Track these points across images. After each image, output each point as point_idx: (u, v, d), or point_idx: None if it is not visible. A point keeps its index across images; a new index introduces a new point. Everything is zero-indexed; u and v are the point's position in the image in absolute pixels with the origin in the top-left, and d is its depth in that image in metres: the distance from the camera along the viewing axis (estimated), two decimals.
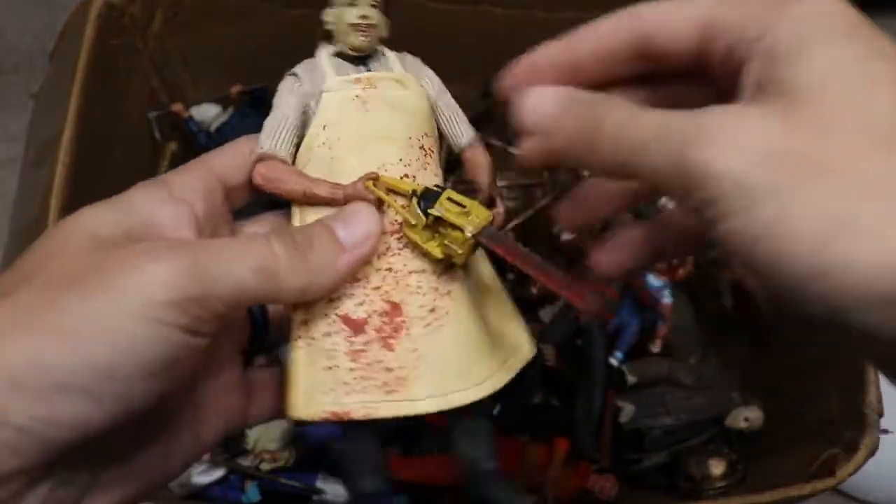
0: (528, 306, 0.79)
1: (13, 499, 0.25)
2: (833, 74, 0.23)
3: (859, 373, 0.59)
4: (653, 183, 0.25)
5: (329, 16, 0.34)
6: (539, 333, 0.75)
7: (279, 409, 0.35)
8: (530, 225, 0.76)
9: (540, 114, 0.28)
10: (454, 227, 0.31)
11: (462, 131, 0.37)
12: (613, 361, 0.74)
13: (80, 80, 0.66)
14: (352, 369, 0.31)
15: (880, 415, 0.57)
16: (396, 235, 0.33)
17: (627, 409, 0.72)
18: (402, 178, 0.33)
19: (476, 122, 0.82)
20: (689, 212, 0.24)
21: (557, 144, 0.28)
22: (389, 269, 0.32)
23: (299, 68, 0.35)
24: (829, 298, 0.21)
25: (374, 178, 0.32)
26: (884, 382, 0.59)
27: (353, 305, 0.32)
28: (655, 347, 0.75)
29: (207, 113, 0.82)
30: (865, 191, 0.21)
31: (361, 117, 0.33)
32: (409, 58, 0.36)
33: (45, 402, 0.24)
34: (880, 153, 0.22)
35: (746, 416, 0.71)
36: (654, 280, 0.74)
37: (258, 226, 0.36)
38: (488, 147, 0.75)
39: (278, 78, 0.91)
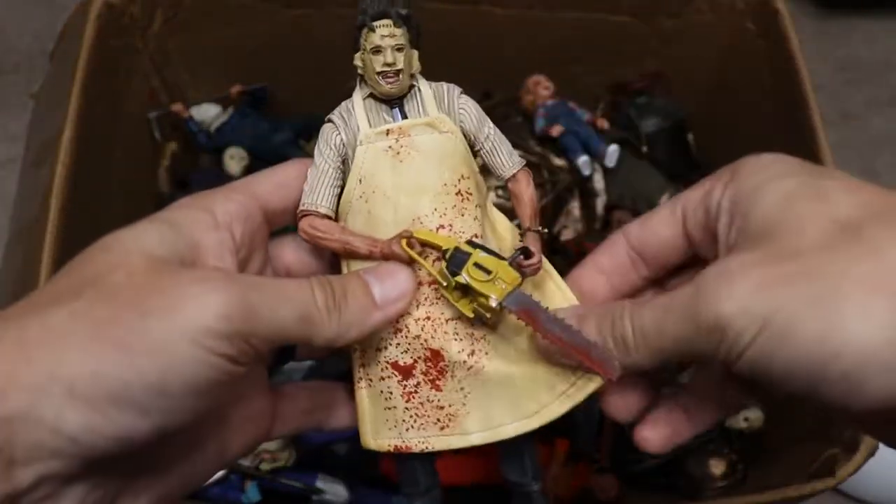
0: None
1: (49, 498, 0.26)
2: (786, 203, 0.29)
3: None
4: (685, 355, 0.30)
5: (357, 60, 0.34)
6: None
7: (302, 425, 0.39)
8: None
9: None
10: (479, 293, 0.32)
11: (504, 162, 0.36)
12: None
13: (80, 80, 0.66)
14: (406, 409, 0.35)
15: None
16: (434, 286, 0.34)
17: None
18: (437, 228, 0.34)
19: None
20: (719, 364, 0.29)
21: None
22: (428, 318, 0.34)
23: (336, 114, 0.35)
24: (846, 378, 0.26)
25: (408, 237, 0.33)
26: None
27: (399, 353, 0.34)
28: None
29: (207, 113, 0.82)
30: (839, 281, 0.26)
31: (394, 169, 0.34)
32: (445, 89, 0.35)
33: (99, 413, 0.25)
34: (839, 248, 0.27)
35: (746, 416, 0.71)
36: None
37: (286, 248, 0.38)
38: None
39: (278, 78, 0.91)
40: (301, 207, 0.34)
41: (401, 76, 0.34)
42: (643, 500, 0.73)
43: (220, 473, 0.67)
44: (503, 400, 0.34)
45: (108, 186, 0.71)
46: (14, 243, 0.65)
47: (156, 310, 0.26)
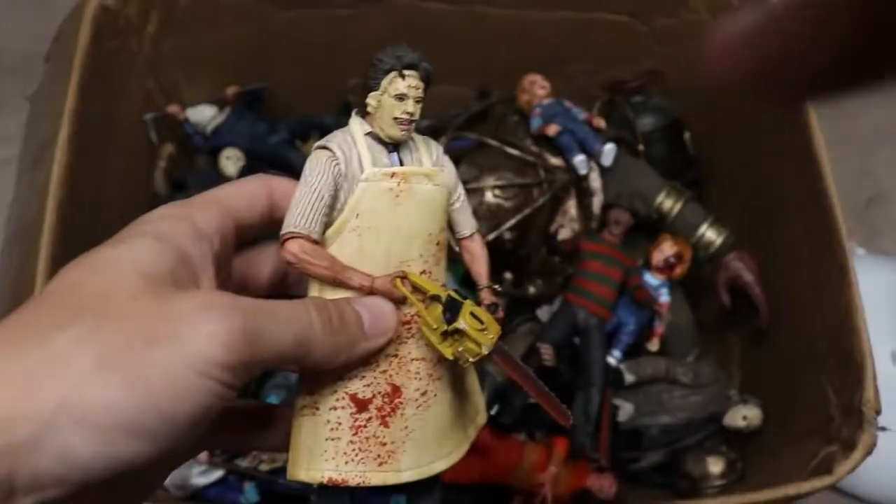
0: (526, 305, 0.79)
1: None
2: None
3: (857, 370, 0.59)
4: None
5: (372, 99, 0.35)
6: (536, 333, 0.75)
7: (238, 443, 0.39)
8: (527, 224, 0.76)
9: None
10: (472, 340, 0.33)
11: (466, 221, 0.38)
12: (611, 360, 0.74)
13: (76, 82, 0.66)
14: (351, 442, 0.35)
15: (878, 412, 0.57)
16: (406, 326, 0.35)
17: (626, 408, 0.72)
18: (420, 273, 0.35)
19: (472, 122, 0.83)
20: None
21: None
22: (395, 355, 0.35)
23: (334, 143, 0.34)
24: None
25: (403, 277, 0.34)
26: (881, 379, 0.59)
27: (361, 386, 0.35)
28: (653, 346, 0.75)
29: (203, 114, 0.81)
30: None
31: (393, 211, 0.35)
32: (433, 145, 0.37)
33: (108, 442, 0.26)
34: None
35: (745, 415, 0.71)
36: (651, 279, 0.75)
37: (263, 267, 0.38)
38: (485, 146, 0.77)
39: (274, 79, 0.92)
40: (293, 229, 0.34)
41: (412, 126, 0.35)
42: (642, 499, 0.73)
43: (218, 474, 0.68)
44: (434, 440, 0.36)
45: (105, 188, 0.71)
46: (11, 245, 0.65)
47: (161, 339, 0.27)
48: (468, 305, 0.34)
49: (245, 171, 0.79)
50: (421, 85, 0.35)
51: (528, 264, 0.79)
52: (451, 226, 0.38)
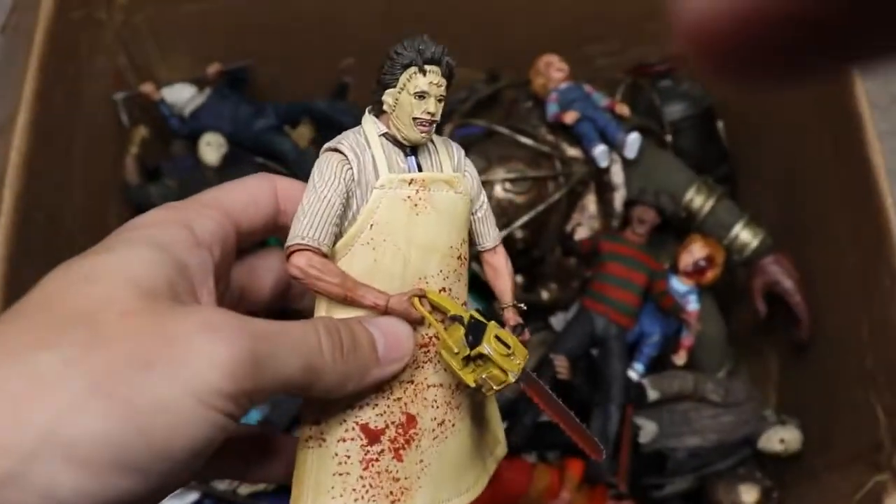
0: (538, 312, 0.78)
1: None
2: None
3: None
4: None
5: (389, 97, 0.34)
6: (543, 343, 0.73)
7: (231, 472, 0.38)
8: (541, 222, 0.73)
9: None
10: (497, 366, 0.33)
11: (491, 232, 0.38)
12: (633, 375, 0.71)
13: (37, 56, 0.63)
14: (361, 477, 0.34)
15: None
16: (424, 349, 0.35)
17: (648, 428, 0.70)
18: (440, 290, 0.35)
19: (480, 107, 0.81)
20: None
21: None
22: (411, 382, 0.35)
23: (346, 145, 0.33)
24: None
25: (421, 295, 0.33)
26: None
27: (374, 415, 0.34)
28: (680, 359, 0.72)
29: (181, 94, 0.79)
30: None
31: (411, 222, 0.34)
32: (453, 147, 0.36)
33: (96, 478, 0.25)
34: None
35: (782, 438, 0.69)
36: (679, 284, 0.71)
37: (263, 280, 0.38)
38: (494, 134, 0.74)
39: (261, 56, 0.90)
40: (300, 240, 0.32)
41: (432, 127, 0.34)
42: None
43: (192, 498, 0.67)
44: (451, 475, 0.36)
45: (69, 176, 0.70)
46: None
47: (159, 362, 0.26)
48: (493, 327, 0.33)
49: (227, 159, 0.77)
50: (443, 82, 0.34)
51: (541, 266, 0.77)
52: (471, 236, 0.37)
